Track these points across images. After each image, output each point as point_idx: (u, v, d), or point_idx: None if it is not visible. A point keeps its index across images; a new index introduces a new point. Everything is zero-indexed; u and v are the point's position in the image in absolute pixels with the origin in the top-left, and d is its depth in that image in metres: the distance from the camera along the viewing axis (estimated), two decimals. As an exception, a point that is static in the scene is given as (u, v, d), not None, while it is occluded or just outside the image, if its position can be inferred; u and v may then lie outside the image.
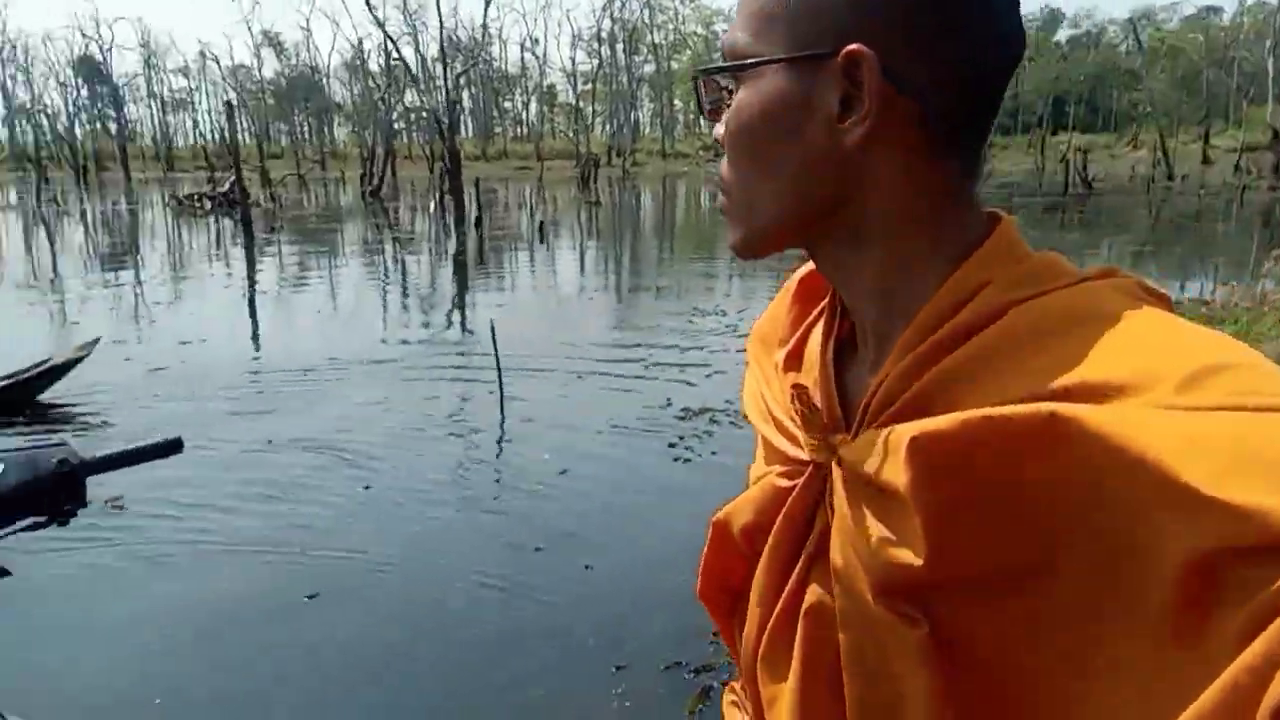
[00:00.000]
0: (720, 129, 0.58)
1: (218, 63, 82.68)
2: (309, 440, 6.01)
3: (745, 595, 0.65)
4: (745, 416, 0.71)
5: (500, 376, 6.99)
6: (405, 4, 63.66)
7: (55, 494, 1.08)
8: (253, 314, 11.77)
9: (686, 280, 13.82)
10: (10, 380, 6.75)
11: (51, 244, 21.87)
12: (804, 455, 0.59)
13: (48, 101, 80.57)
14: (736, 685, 0.78)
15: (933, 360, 0.51)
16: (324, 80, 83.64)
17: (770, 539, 0.61)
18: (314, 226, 25.39)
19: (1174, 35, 71.82)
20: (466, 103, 73.75)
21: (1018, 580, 0.46)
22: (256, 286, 13.94)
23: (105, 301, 12.39)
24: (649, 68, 78.33)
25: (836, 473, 0.55)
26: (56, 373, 7.10)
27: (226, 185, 29.63)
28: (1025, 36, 0.55)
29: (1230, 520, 0.38)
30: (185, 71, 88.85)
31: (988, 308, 0.51)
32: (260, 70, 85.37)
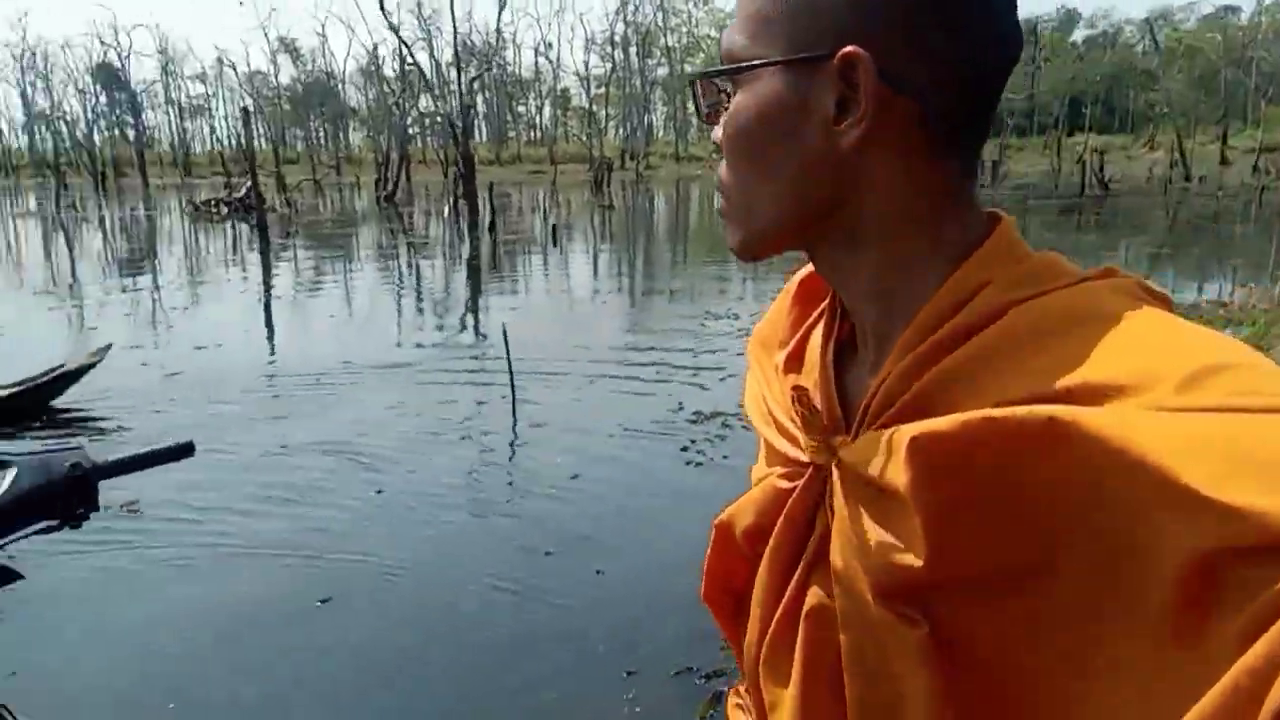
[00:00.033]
0: (718, 132, 0.58)
1: (234, 69, 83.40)
2: (323, 444, 6.04)
3: (748, 598, 0.65)
4: (747, 418, 0.71)
5: (512, 380, 7.01)
6: (420, 9, 64.05)
7: (68, 497, 1.09)
8: (268, 319, 11.85)
9: (699, 283, 13.82)
10: (22, 386, 6.80)
11: (70, 250, 22.09)
12: (804, 457, 0.59)
13: (67, 108, 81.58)
14: (741, 688, 0.78)
15: (933, 360, 0.51)
16: (339, 86, 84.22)
17: (771, 541, 0.61)
18: (329, 231, 25.55)
19: (1191, 35, 71.29)
20: (480, 107, 74.07)
21: (1018, 580, 0.46)
22: (272, 291, 14.03)
23: (123, 306, 12.50)
24: (662, 71, 78.41)
25: (836, 474, 0.55)
26: (69, 379, 7.15)
27: (242, 191, 29.86)
28: (1022, 37, 0.54)
29: (1230, 521, 0.37)
30: (202, 78, 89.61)
31: (988, 307, 0.51)
32: (276, 76, 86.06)
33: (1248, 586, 0.37)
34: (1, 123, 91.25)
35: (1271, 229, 20.50)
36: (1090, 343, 0.46)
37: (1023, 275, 0.52)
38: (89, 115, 79.85)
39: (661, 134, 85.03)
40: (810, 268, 0.65)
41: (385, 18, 32.41)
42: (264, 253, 19.60)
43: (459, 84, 32.67)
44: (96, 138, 78.08)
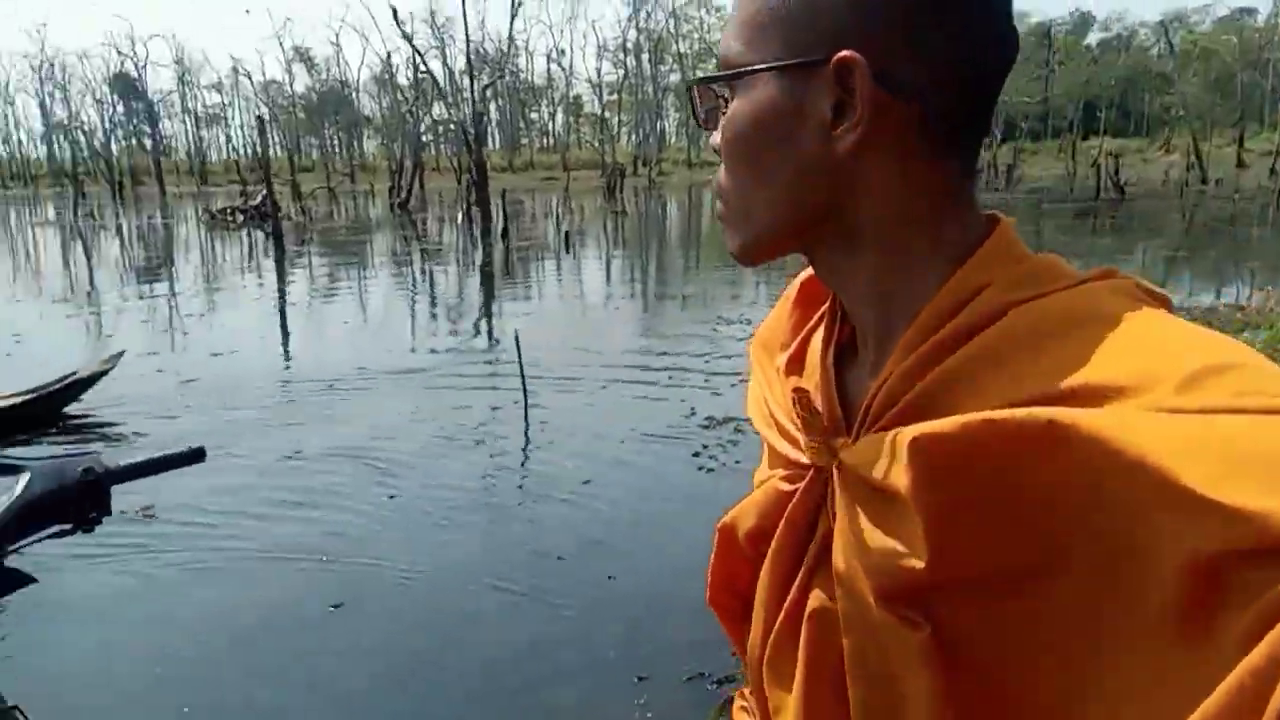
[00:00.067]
0: (716, 137, 0.58)
1: (250, 78, 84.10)
2: (337, 449, 6.07)
3: (753, 601, 0.65)
4: (749, 421, 0.71)
5: (525, 385, 7.03)
6: (433, 18, 64.55)
7: (80, 502, 1.10)
8: (283, 325, 11.92)
9: (712, 289, 13.81)
10: (34, 394, 6.83)
11: (88, 258, 22.29)
12: (805, 459, 0.59)
13: (85, 118, 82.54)
14: (746, 691, 0.78)
15: (934, 361, 0.51)
16: (353, 94, 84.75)
17: (773, 543, 0.62)
18: (343, 239, 25.69)
19: (1207, 37, 70.77)
20: (493, 114, 74.30)
21: (1019, 582, 0.46)
22: (287, 298, 14.12)
23: (139, 314, 12.60)
24: (674, 77, 78.45)
25: (837, 476, 0.55)
26: (81, 386, 7.18)
27: (258, 199, 30.06)
28: (1018, 38, 0.55)
29: (1231, 523, 0.37)
30: (218, 87, 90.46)
31: (988, 308, 0.51)
32: (291, 85, 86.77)
33: (1250, 588, 0.37)
34: (20, 133, 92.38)
35: (1289, 232, 20.32)
36: (1090, 344, 0.46)
37: (1022, 276, 0.52)
38: (106, 125, 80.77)
39: (674, 140, 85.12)
40: (811, 270, 0.65)
41: (399, 27, 32.59)
42: (279, 260, 19.72)
43: (472, 91, 32.82)
44: (114, 147, 78.92)
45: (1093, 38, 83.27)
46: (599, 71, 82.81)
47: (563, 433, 6.40)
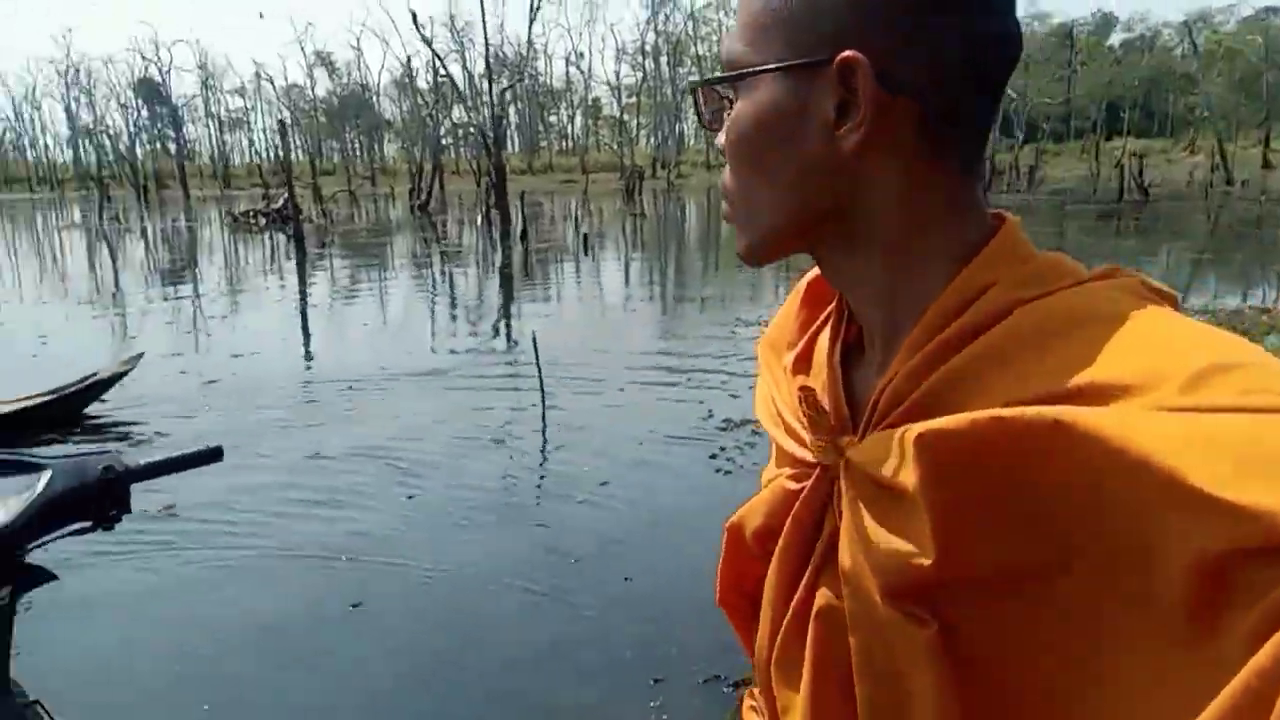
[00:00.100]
0: (721, 139, 0.59)
1: (272, 83, 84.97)
2: (357, 450, 6.11)
3: (761, 600, 0.65)
4: (757, 420, 0.71)
5: (542, 387, 7.05)
6: (453, 22, 64.82)
7: (100, 500, 1.11)
8: (304, 327, 12.01)
9: (731, 290, 13.79)
10: (54, 395, 6.89)
11: (114, 260, 22.58)
12: (811, 457, 0.59)
13: (110, 122, 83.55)
14: (756, 691, 0.78)
15: (940, 360, 0.51)
16: (374, 98, 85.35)
17: (780, 542, 0.62)
18: (364, 241, 25.86)
19: (1231, 37, 69.91)
20: (513, 117, 74.64)
21: (1025, 581, 0.46)
22: (308, 300, 14.23)
23: (163, 315, 12.74)
24: (693, 79, 78.45)
25: (844, 474, 0.55)
26: (101, 387, 7.24)
27: (280, 202, 30.34)
28: (1021, 36, 0.55)
29: (1238, 521, 0.37)
30: (241, 92, 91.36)
31: (994, 307, 0.51)
32: (313, 89, 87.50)
33: (1255, 587, 0.37)
34: (47, 137, 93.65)
35: (1317, 233, 20.04)
36: (1095, 343, 0.46)
37: (1028, 275, 0.52)
38: (131, 129, 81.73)
39: (693, 142, 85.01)
40: (818, 270, 0.65)
41: (419, 31, 32.77)
42: (300, 262, 19.88)
43: (491, 95, 32.94)
44: (139, 151, 79.86)
45: (1115, 38, 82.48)
46: (617, 74, 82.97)
47: (581, 434, 6.41)
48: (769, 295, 12.97)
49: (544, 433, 6.51)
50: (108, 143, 78.75)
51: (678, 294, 14.51)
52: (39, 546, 1.09)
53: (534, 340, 7.23)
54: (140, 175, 65.51)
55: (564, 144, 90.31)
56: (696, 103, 0.61)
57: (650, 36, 74.56)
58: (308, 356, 9.89)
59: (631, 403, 7.30)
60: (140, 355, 7.74)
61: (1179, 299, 0.53)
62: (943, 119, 0.53)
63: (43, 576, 1.10)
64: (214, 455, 1.25)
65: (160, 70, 79.33)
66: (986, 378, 0.49)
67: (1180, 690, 0.40)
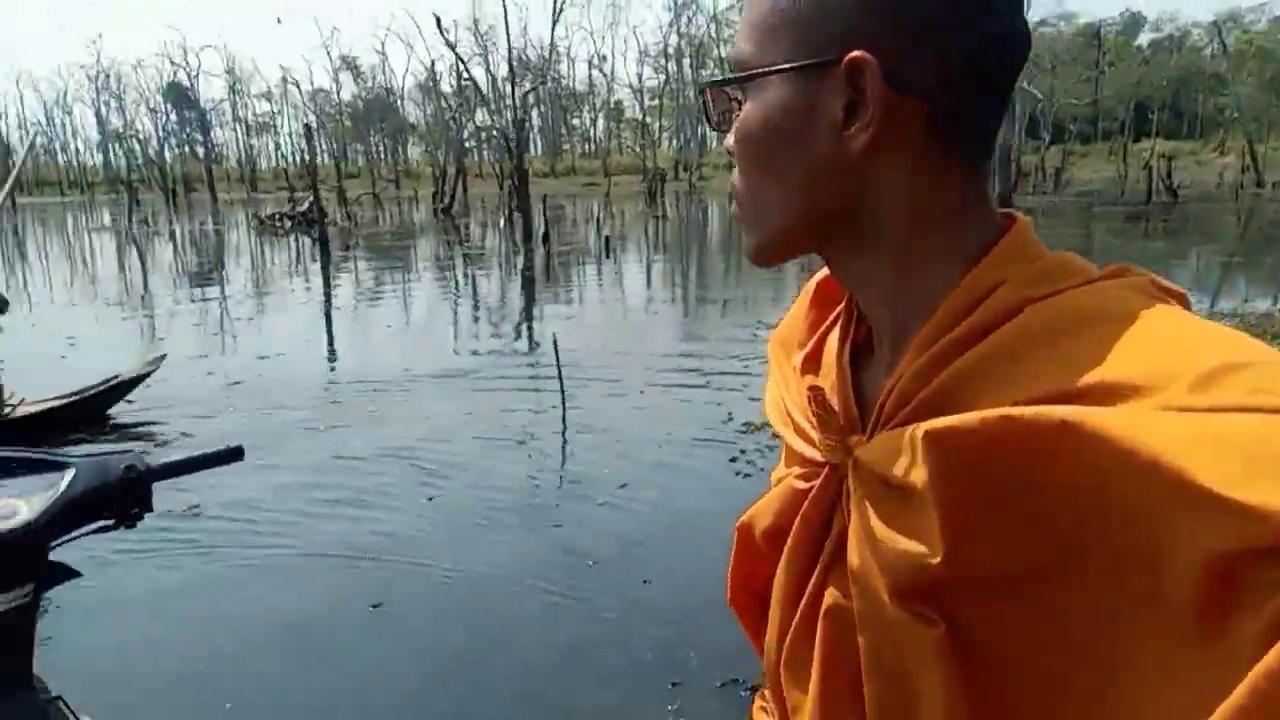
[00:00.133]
0: (730, 140, 0.59)
1: (299, 87, 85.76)
2: (380, 451, 6.15)
3: (770, 600, 0.65)
4: (767, 420, 0.71)
5: (563, 389, 7.07)
6: (476, 26, 65.20)
7: (123, 498, 1.13)
8: (328, 328, 12.12)
9: (753, 293, 13.77)
10: (76, 397, 6.96)
11: (142, 263, 22.88)
12: (820, 456, 0.59)
13: (139, 127, 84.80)
14: (767, 692, 0.78)
15: (949, 358, 0.51)
16: (398, 102, 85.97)
17: (788, 541, 0.62)
18: (388, 244, 26.05)
19: (1262, 37, 68.90)
20: (535, 120, 74.91)
21: (1033, 580, 0.46)
22: (332, 302, 14.35)
23: (191, 317, 12.90)
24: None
25: (852, 472, 0.55)
26: (124, 388, 7.28)
27: (305, 205, 30.61)
28: (1030, 35, 0.55)
29: (1247, 521, 0.37)
30: (268, 96, 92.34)
31: (1003, 305, 0.51)
32: (338, 93, 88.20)
33: (1266, 587, 0.37)
34: (78, 141, 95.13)
35: (1350, 236, 19.70)
36: (1104, 342, 0.46)
37: (1037, 274, 0.52)
38: (160, 133, 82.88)
39: (715, 145, 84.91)
40: (827, 270, 0.65)
41: (443, 35, 32.97)
42: (325, 265, 20.06)
43: (514, 98, 33.08)
44: (167, 155, 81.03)
45: (1144, 38, 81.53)
46: (640, 77, 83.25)
47: (602, 436, 6.42)
48: (791, 297, 12.80)
49: (564, 434, 6.53)
50: (137, 147, 79.95)
51: (699, 296, 14.51)
52: (62, 544, 1.11)
53: (554, 342, 7.25)
54: (169, 179, 66.41)
55: (586, 147, 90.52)
56: (705, 104, 0.61)
57: (673, 39, 74.66)
58: (332, 358, 9.97)
59: (652, 405, 7.30)
60: (163, 356, 7.80)
61: (1189, 298, 0.53)
62: (951, 119, 0.53)
63: (65, 574, 1.12)
64: (234, 455, 1.27)
65: (189, 75, 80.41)
66: (995, 376, 0.49)
67: (1189, 691, 0.40)
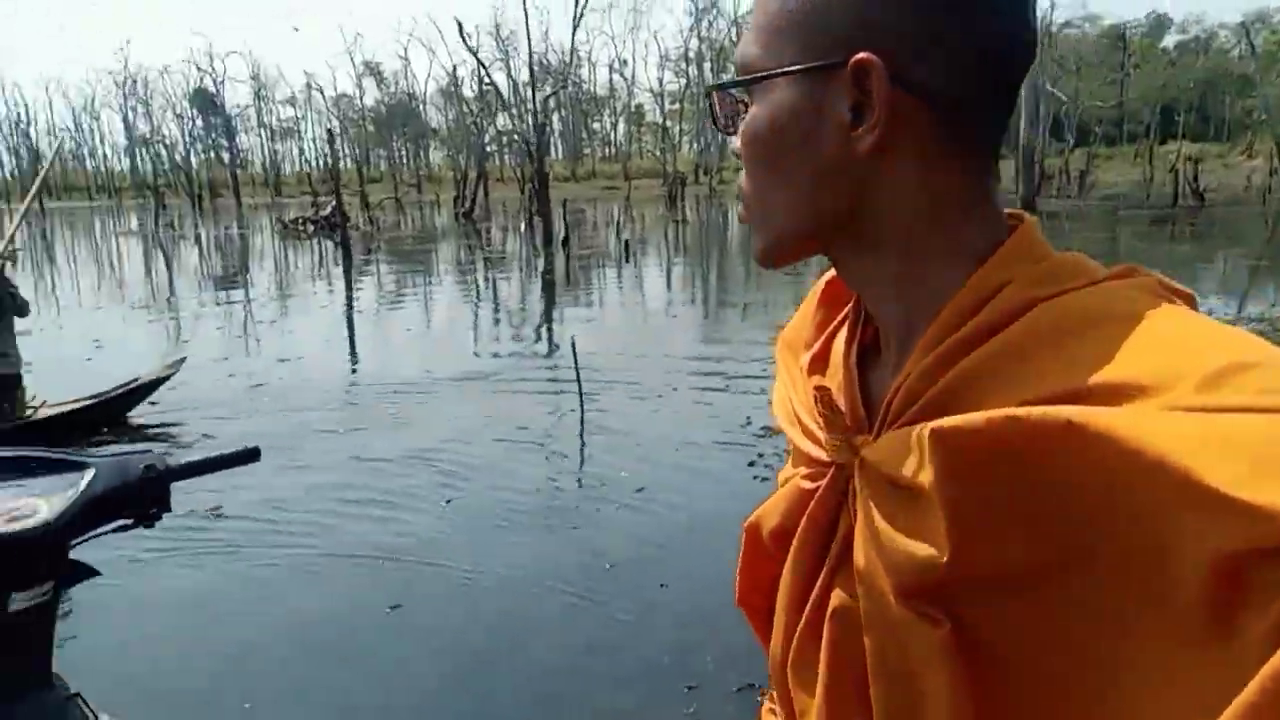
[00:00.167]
0: (737, 142, 0.59)
1: (322, 93, 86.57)
2: (401, 453, 6.19)
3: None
4: (775, 420, 0.71)
5: (581, 392, 7.09)
6: (497, 31, 65.51)
7: (142, 498, 1.14)
8: (350, 332, 12.21)
9: (772, 296, 13.74)
10: (96, 400, 7.03)
11: (168, 266, 23.18)
12: (826, 456, 0.59)
13: (166, 132, 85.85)
14: (774, 693, 0.78)
15: (955, 358, 0.51)
16: (420, 107, 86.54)
17: (795, 542, 0.62)
18: (409, 248, 26.22)
19: (1292, 37, 67.99)
20: (556, 125, 75.03)
21: (1039, 580, 0.46)
22: (354, 305, 14.46)
23: (215, 320, 13.04)
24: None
25: (858, 472, 0.55)
26: (144, 390, 7.34)
27: (328, 209, 30.87)
28: (1036, 35, 0.54)
29: (1254, 521, 0.37)
30: (292, 102, 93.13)
31: (1010, 305, 0.51)
32: (361, 99, 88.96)
33: (1272, 587, 0.37)
34: (105, 146, 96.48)
35: (1382, 239, 19.37)
36: (1111, 342, 0.46)
37: (1043, 274, 0.52)
38: (186, 139, 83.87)
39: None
40: (835, 271, 0.65)
41: (464, 40, 33.13)
42: (347, 268, 20.22)
43: (534, 102, 33.18)
44: (193, 160, 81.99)
45: (1169, 40, 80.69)
46: (661, 81, 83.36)
47: (620, 439, 6.43)
48: (811, 301, 12.87)
49: (583, 437, 6.54)
50: (164, 152, 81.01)
51: (719, 299, 14.51)
52: (82, 543, 1.12)
53: (573, 345, 7.27)
54: (195, 184, 67.22)
55: (607, 151, 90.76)
56: (712, 106, 0.61)
57: (693, 43, 74.67)
58: (353, 361, 10.05)
59: (670, 408, 7.30)
60: (183, 359, 7.85)
61: (1196, 298, 0.52)
62: (957, 120, 0.53)
63: (85, 572, 1.13)
64: (252, 456, 1.28)
65: (215, 81, 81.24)
66: (1002, 376, 0.49)
67: (1196, 691, 0.40)
